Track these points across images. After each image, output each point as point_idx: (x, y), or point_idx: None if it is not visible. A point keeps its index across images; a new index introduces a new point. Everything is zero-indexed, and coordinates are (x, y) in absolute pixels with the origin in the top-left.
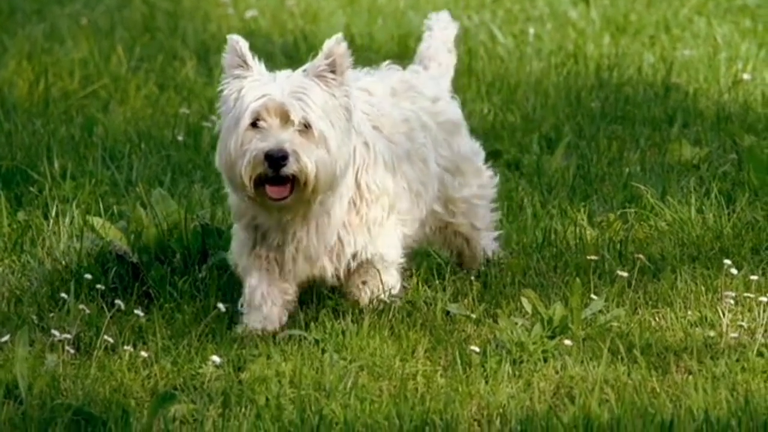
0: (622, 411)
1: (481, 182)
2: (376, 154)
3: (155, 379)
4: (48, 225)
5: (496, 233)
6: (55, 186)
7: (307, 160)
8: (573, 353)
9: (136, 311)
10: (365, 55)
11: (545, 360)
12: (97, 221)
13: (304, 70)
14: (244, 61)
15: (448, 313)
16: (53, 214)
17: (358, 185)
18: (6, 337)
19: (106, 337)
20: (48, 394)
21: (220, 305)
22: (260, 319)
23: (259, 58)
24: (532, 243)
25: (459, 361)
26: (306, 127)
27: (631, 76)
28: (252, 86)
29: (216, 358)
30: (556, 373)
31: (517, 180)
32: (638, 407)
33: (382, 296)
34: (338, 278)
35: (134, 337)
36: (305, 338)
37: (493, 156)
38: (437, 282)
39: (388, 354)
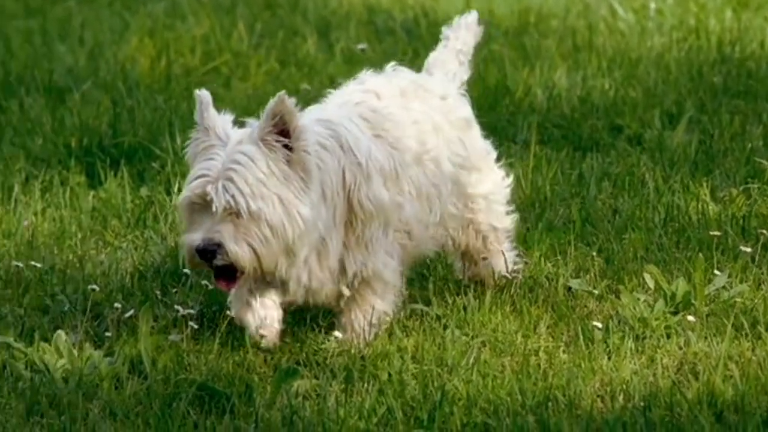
0: (746, 387)
1: (494, 180)
2: (369, 170)
3: (278, 354)
4: (170, 201)
5: (513, 249)
6: (177, 162)
7: (237, 248)
8: (696, 329)
9: None
10: (485, 31)
11: (668, 336)
12: None
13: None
14: (203, 124)
15: (570, 288)
16: (175, 189)
17: (350, 205)
18: (130, 313)
19: (229, 312)
20: (172, 370)
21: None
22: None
23: (380, 35)
24: (655, 218)
25: (581, 337)
26: (238, 210)
27: (754, 51)
28: (198, 160)
29: (338, 334)
30: (680, 349)
31: (638, 155)
32: (763, 383)
33: (373, 321)
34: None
35: None
36: (427, 314)
37: (614, 131)
38: (559, 258)
39: (510, 330)
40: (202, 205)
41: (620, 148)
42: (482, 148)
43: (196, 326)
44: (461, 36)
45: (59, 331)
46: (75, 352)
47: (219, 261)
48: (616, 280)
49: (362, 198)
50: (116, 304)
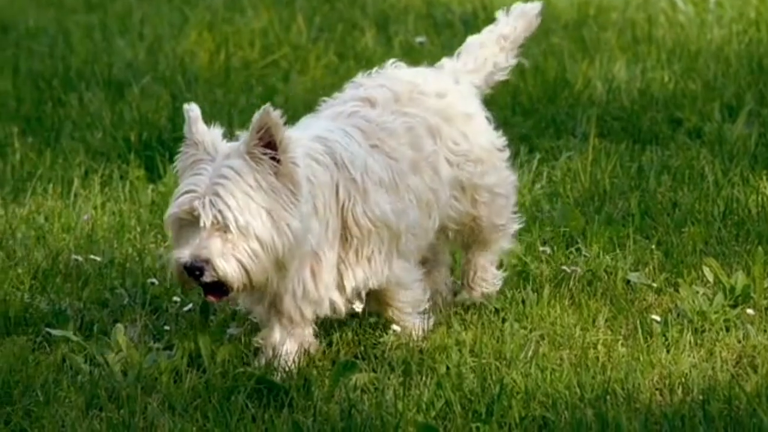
0: None
1: (500, 175)
2: (366, 185)
3: (336, 347)
4: None
5: (497, 271)
6: None
7: (225, 264)
8: (756, 322)
9: None
10: (544, 23)
11: (727, 329)
12: None
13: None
14: (192, 138)
15: (628, 281)
16: None
17: (344, 222)
18: (189, 306)
19: None
20: (231, 363)
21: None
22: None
23: (438, 28)
24: (714, 211)
25: (640, 330)
26: (226, 225)
27: None
28: (186, 174)
29: (397, 327)
30: (739, 342)
31: (698, 148)
32: None
33: (410, 311)
34: (353, 302)
35: None
36: (485, 307)
37: (674, 124)
38: (618, 251)
39: (569, 323)
40: (189, 221)
41: (680, 140)
42: (488, 142)
43: (255, 320)
44: (511, 22)
45: (118, 325)
46: (134, 345)
47: (207, 278)
48: (675, 273)
49: (357, 215)
50: (175, 298)
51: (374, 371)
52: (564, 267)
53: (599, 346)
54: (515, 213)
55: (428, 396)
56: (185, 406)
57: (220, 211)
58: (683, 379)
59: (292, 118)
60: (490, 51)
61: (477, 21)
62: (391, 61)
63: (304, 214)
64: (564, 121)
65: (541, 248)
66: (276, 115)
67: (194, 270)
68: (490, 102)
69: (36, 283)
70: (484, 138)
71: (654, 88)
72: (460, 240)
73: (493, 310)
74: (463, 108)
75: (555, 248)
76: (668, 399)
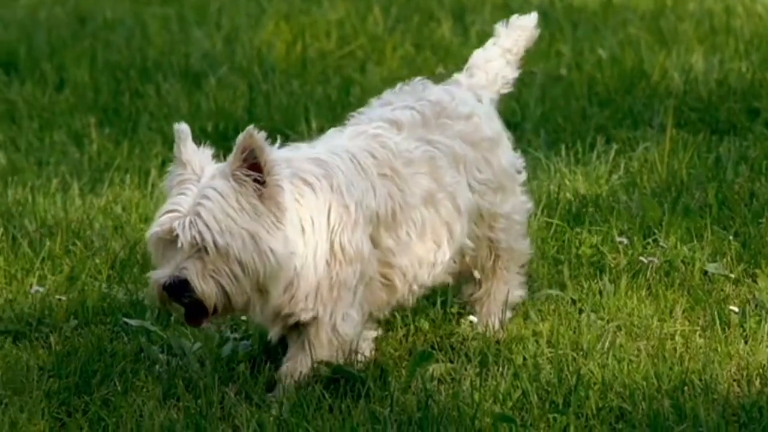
0: None
1: (515, 202)
2: (357, 217)
3: (413, 338)
4: None
5: (523, 278)
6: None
7: (204, 286)
8: None
9: None
10: (621, 13)
11: None
12: None
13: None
14: (180, 158)
15: (706, 272)
16: None
17: (331, 246)
18: None
19: None
20: None
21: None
22: None
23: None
24: None
25: (718, 321)
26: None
27: None
28: (171, 194)
29: (473, 318)
30: None
31: None
32: None
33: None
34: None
35: None
36: (562, 298)
37: (752, 115)
38: (695, 241)
39: (646, 314)
40: (170, 241)
41: (757, 131)
42: (510, 166)
43: None
44: (513, 36)
45: None
46: (211, 335)
47: (185, 298)
48: (753, 263)
49: (344, 241)
50: None
51: (451, 362)
52: (641, 258)
53: (677, 337)
54: (525, 235)
55: (505, 387)
56: (262, 396)
57: (199, 232)
58: (761, 370)
59: None
60: (498, 65)
61: (554, 11)
62: (418, 79)
63: (288, 238)
64: (641, 111)
65: (618, 239)
66: (260, 137)
67: (173, 290)
68: (568, 93)
69: (113, 273)
70: (507, 162)
71: (731, 79)
72: (478, 265)
73: (570, 301)
74: (489, 132)
75: (632, 239)
76: (746, 390)
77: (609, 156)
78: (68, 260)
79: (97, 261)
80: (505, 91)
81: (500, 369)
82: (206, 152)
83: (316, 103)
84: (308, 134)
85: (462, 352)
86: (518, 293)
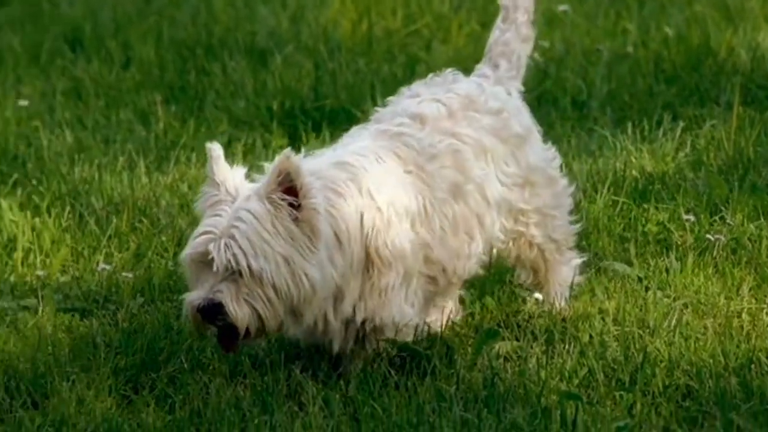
0: None
1: (555, 191)
2: (390, 216)
3: (479, 316)
4: None
5: (578, 259)
6: None
7: (238, 309)
8: None
9: None
10: None
11: None
12: None
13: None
14: (214, 178)
15: None
16: None
17: (367, 253)
18: None
19: None
20: None
21: None
22: None
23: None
24: None
25: None
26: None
27: None
28: (206, 215)
29: (539, 296)
30: None
31: None
32: None
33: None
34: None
35: None
36: (629, 276)
37: None
38: (762, 219)
39: (713, 291)
40: (205, 263)
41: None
42: (540, 161)
43: None
44: (520, 4)
45: None
46: None
47: (219, 321)
48: None
49: (380, 245)
50: None
51: (517, 339)
52: (708, 235)
53: (743, 315)
54: (572, 224)
55: (571, 364)
56: (328, 373)
57: (234, 255)
58: None
59: None
60: (517, 47)
61: None
62: (449, 70)
63: (323, 262)
64: (708, 89)
65: (684, 216)
66: (296, 159)
67: (207, 313)
68: (634, 70)
69: (180, 250)
70: (535, 158)
71: None
72: (524, 262)
73: (636, 278)
74: (518, 128)
75: (699, 216)
76: None
77: (675, 133)
78: (135, 238)
79: (164, 238)
80: (523, 67)
81: (566, 347)
82: (239, 171)
83: (381, 81)
84: (373, 113)
85: (528, 330)
86: (574, 271)
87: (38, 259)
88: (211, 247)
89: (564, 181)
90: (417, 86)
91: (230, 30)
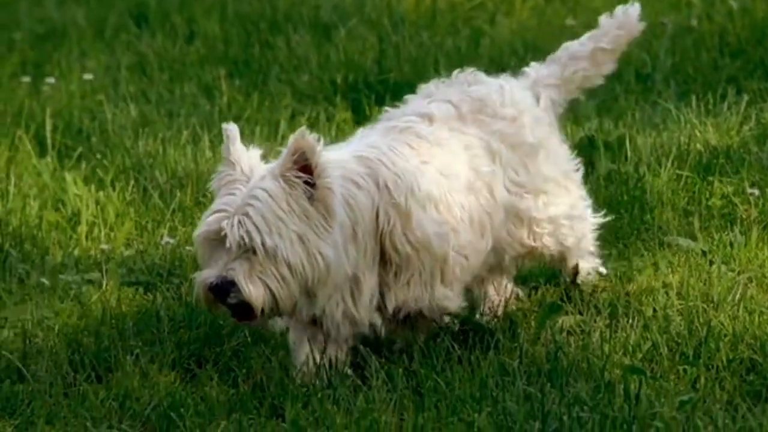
0: None
1: (571, 201)
2: (410, 208)
3: (542, 290)
4: None
5: (597, 262)
6: None
7: (251, 287)
8: None
9: None
10: None
11: None
12: None
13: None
14: (229, 158)
15: None
16: None
17: (382, 247)
18: None
19: None
20: None
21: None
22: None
23: None
24: None
25: None
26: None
27: None
28: (220, 194)
29: (603, 270)
30: None
31: None
32: None
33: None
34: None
35: None
36: (693, 250)
37: None
38: None
39: None
40: (218, 241)
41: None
42: (558, 172)
43: None
44: (613, 34)
45: None
46: None
47: (232, 299)
48: None
49: (396, 241)
50: None
51: (580, 313)
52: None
53: None
54: (592, 233)
55: (635, 338)
56: (390, 347)
57: (247, 232)
58: None
59: (497, 61)
60: (582, 65)
61: None
62: (471, 70)
63: (338, 243)
64: None
65: (749, 190)
66: (312, 138)
67: (220, 291)
68: (698, 44)
69: None
70: (549, 169)
71: None
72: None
73: (701, 252)
74: (531, 138)
75: (763, 190)
76: None
77: (740, 107)
78: (198, 212)
79: None
80: (588, 86)
81: (630, 321)
82: (255, 153)
83: (445, 54)
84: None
85: (591, 304)
86: (589, 268)
87: (102, 233)
88: (224, 224)
89: (580, 192)
90: (431, 86)
91: (294, 4)
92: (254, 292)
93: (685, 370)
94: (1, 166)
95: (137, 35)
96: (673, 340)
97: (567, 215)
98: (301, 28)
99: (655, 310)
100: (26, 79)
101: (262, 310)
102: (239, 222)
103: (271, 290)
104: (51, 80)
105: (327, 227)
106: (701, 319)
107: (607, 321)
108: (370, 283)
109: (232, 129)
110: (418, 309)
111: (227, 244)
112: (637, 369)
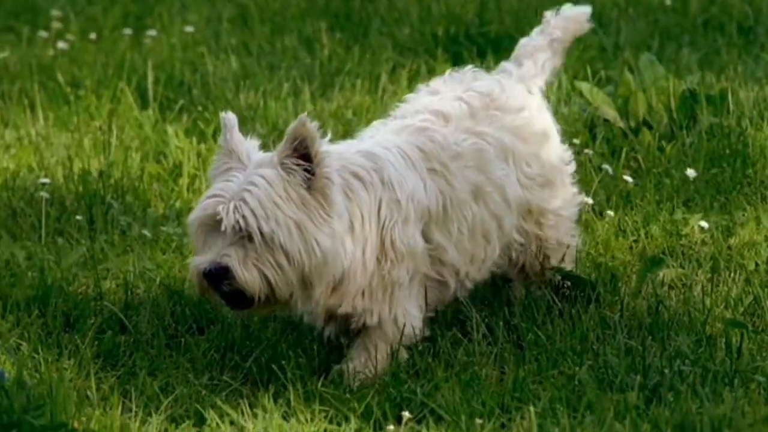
0: None
1: (565, 196)
2: (408, 211)
3: (643, 243)
4: None
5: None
6: None
7: (246, 274)
8: None
9: (624, 177)
10: None
11: None
12: (585, 86)
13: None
14: (227, 147)
15: None
16: None
17: (382, 243)
18: None
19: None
20: None
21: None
22: None
23: None
24: None
25: None
26: (249, 233)
27: None
28: (217, 181)
29: (704, 224)
30: None
31: None
32: None
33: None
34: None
35: (622, 202)
36: None
37: None
38: None
39: None
40: (212, 226)
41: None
42: (559, 160)
43: None
44: (561, 25)
45: None
46: None
47: (226, 287)
48: None
49: (395, 237)
50: None
51: (682, 267)
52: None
53: None
54: (576, 230)
55: (736, 292)
56: (492, 300)
57: (244, 217)
58: None
59: (599, 14)
60: (546, 55)
61: None
62: (469, 68)
63: (335, 232)
64: None
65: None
66: (312, 126)
67: (214, 277)
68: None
69: None
70: (555, 156)
71: None
72: (525, 261)
73: None
74: (539, 126)
75: None
76: None
77: None
78: None
79: None
80: (550, 79)
81: (732, 274)
82: (253, 142)
83: (547, 6)
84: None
85: (693, 258)
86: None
87: (203, 185)
88: (220, 208)
89: (573, 189)
90: (435, 83)
91: None
92: (249, 278)
93: None
94: (103, 118)
95: None
96: None
97: (567, 208)
98: None
99: (757, 264)
100: (128, 31)
101: (258, 299)
102: (236, 207)
103: (267, 278)
104: (152, 32)
105: (325, 216)
106: None
107: (709, 275)
108: (359, 282)
109: (230, 118)
110: (376, 321)
111: (222, 228)
112: (739, 323)
